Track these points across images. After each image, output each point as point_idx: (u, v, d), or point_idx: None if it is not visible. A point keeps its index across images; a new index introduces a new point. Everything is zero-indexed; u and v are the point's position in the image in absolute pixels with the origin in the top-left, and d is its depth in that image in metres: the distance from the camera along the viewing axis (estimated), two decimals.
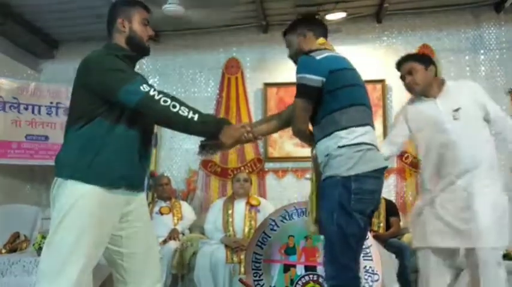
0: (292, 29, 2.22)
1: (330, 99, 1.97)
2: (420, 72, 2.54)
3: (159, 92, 1.75)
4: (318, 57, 1.99)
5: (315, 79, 1.94)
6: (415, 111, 2.62)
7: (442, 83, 2.58)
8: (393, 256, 3.46)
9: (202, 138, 1.99)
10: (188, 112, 1.75)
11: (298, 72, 2.00)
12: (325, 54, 2.02)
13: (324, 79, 1.94)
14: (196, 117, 1.75)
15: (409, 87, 2.61)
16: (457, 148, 2.42)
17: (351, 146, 1.92)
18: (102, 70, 1.77)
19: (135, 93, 1.72)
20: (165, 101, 1.73)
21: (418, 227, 2.57)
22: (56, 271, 1.66)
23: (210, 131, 1.84)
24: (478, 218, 2.33)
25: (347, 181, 1.88)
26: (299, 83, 1.99)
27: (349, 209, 1.89)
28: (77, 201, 1.71)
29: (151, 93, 1.73)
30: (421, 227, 2.53)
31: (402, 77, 2.62)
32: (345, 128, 1.93)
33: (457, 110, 2.45)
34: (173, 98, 1.77)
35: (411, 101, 2.68)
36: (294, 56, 2.19)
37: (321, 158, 2.01)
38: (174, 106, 1.74)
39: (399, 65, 2.63)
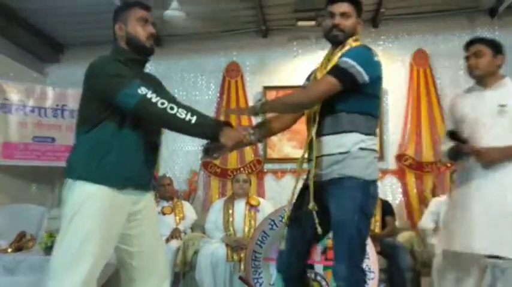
0: (360, 8, 2.08)
1: (364, 101, 1.96)
2: (487, 57, 2.38)
3: (157, 95, 1.76)
4: (375, 58, 1.97)
5: (363, 75, 1.89)
6: (460, 105, 2.49)
7: (502, 77, 2.43)
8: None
9: (205, 141, 1.96)
10: (186, 114, 1.75)
11: (352, 58, 1.89)
12: (377, 57, 1.99)
13: (368, 81, 1.91)
14: (194, 119, 1.75)
15: (470, 70, 2.44)
16: (487, 144, 2.27)
17: (370, 151, 1.96)
18: (103, 75, 1.80)
19: (133, 97, 1.73)
20: (162, 103, 1.74)
21: (446, 228, 2.46)
22: (66, 269, 1.70)
23: (207, 132, 1.82)
24: (501, 224, 2.18)
25: (367, 185, 1.92)
26: (346, 68, 1.87)
27: (367, 213, 1.94)
28: (86, 200, 1.76)
29: (149, 95, 1.74)
30: (450, 228, 2.41)
31: (467, 58, 2.45)
32: (367, 134, 1.96)
33: (503, 105, 2.28)
34: (171, 100, 1.78)
35: (458, 95, 2.54)
36: (345, 30, 2.02)
37: (330, 151, 1.96)
38: (172, 108, 1.74)
39: (469, 44, 2.45)
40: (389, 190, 4.60)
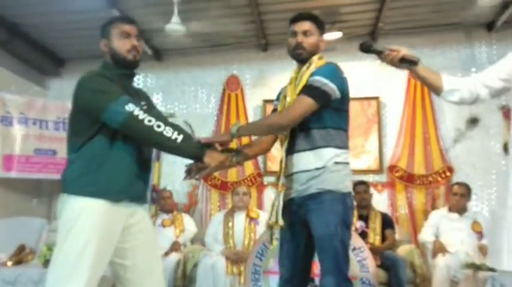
0: (322, 26, 2.13)
1: (335, 116, 2.01)
2: None
3: (144, 112, 1.76)
4: (343, 75, 2.03)
5: (336, 92, 1.95)
6: None
7: None
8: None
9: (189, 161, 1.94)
10: (172, 133, 1.75)
11: (323, 76, 1.95)
12: (344, 74, 2.04)
13: (339, 97, 1.97)
14: (180, 138, 1.75)
15: None
16: None
17: (345, 165, 2.01)
18: (89, 91, 1.81)
19: (120, 113, 1.73)
20: (149, 121, 1.73)
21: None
22: (63, 282, 1.70)
23: (192, 152, 1.82)
24: None
25: (345, 198, 1.97)
26: (319, 87, 1.93)
27: (348, 224, 1.99)
28: (81, 214, 1.76)
29: (136, 113, 1.74)
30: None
31: None
32: (341, 147, 2.01)
33: None
34: (158, 118, 1.77)
35: None
36: (308, 48, 2.06)
37: (306, 167, 1.99)
38: (159, 126, 1.74)
39: None
40: (389, 203, 4.60)
